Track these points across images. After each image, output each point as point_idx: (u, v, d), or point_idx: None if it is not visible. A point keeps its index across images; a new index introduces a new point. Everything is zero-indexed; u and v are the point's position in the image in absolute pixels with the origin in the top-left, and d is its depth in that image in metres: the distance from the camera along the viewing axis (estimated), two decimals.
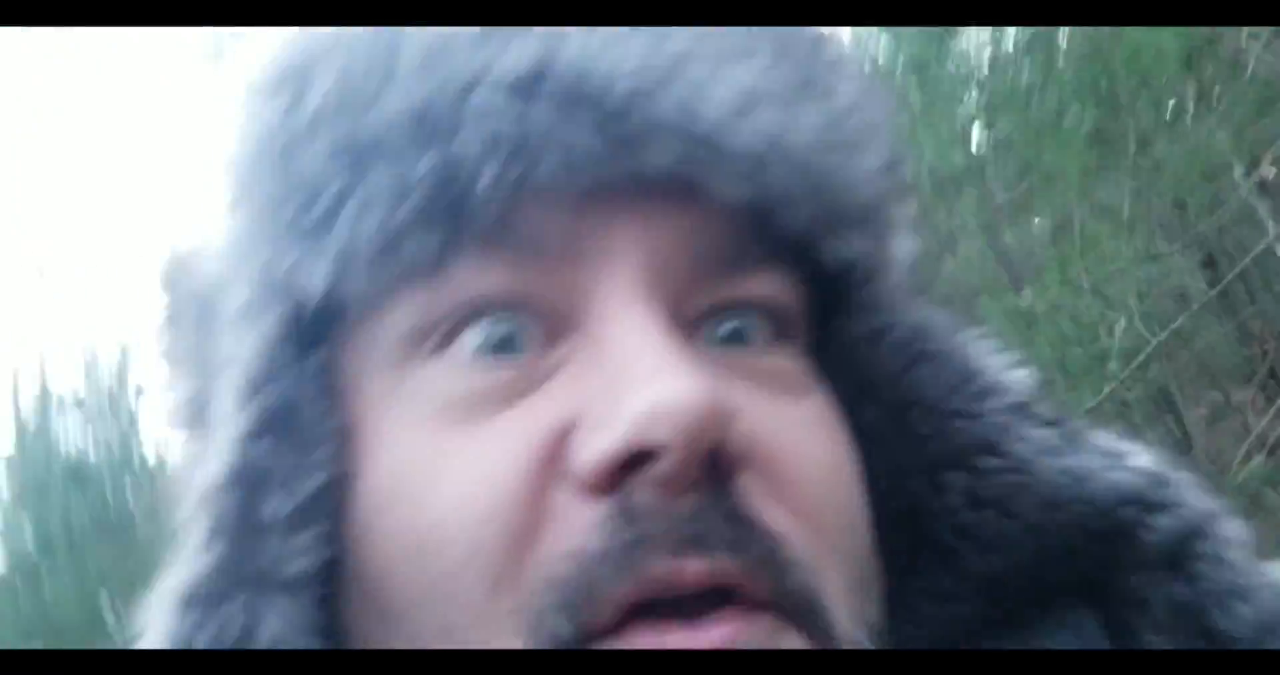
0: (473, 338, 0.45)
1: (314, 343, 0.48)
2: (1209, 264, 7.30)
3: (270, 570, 0.44)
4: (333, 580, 0.46)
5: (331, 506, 0.46)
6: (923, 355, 0.52)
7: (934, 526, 0.51)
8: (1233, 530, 0.49)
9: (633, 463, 0.42)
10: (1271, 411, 6.01)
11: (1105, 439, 0.51)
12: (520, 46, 0.43)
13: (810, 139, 0.46)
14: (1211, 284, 6.86)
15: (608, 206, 0.45)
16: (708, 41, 0.45)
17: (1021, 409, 0.52)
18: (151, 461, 16.86)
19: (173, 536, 0.48)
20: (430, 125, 0.43)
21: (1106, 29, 5.11)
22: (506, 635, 0.42)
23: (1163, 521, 0.48)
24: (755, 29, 0.46)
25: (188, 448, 0.52)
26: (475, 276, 0.45)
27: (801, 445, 0.46)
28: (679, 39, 0.44)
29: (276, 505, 0.45)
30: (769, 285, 0.48)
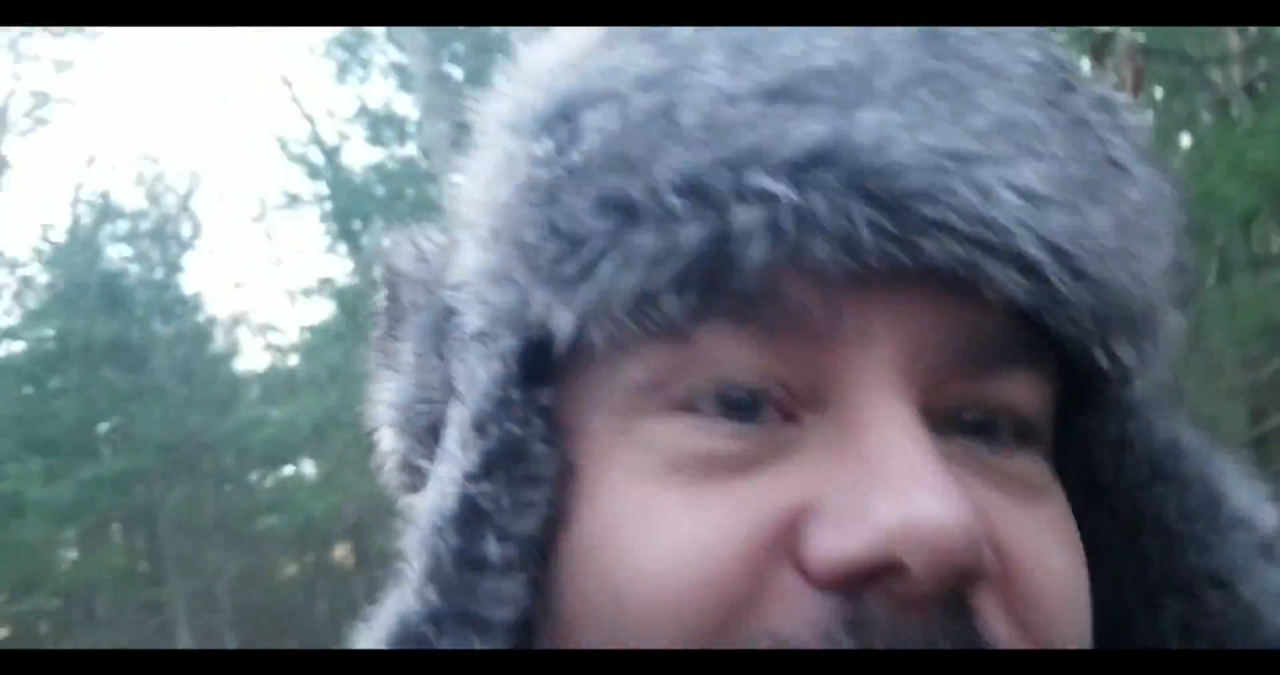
0: (714, 401, 0.44)
1: (544, 383, 0.48)
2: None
3: (478, 614, 0.45)
4: (528, 626, 0.46)
5: (541, 551, 0.46)
6: (1169, 473, 0.51)
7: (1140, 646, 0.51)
8: None
9: (872, 573, 0.41)
10: None
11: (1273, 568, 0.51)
12: (807, 127, 0.43)
13: (1096, 245, 0.44)
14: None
15: (870, 291, 0.43)
16: (1000, 136, 0.44)
17: (1265, 549, 0.51)
18: (188, 295, 17.19)
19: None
20: (703, 194, 0.43)
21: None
22: None
23: None
24: (1049, 119, 0.45)
25: (390, 445, 0.55)
26: (726, 345, 0.44)
27: (1043, 558, 0.45)
28: (971, 132, 0.43)
29: (494, 548, 0.46)
30: (1026, 387, 0.46)
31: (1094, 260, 0.44)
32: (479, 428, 0.47)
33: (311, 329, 15.88)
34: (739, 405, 0.44)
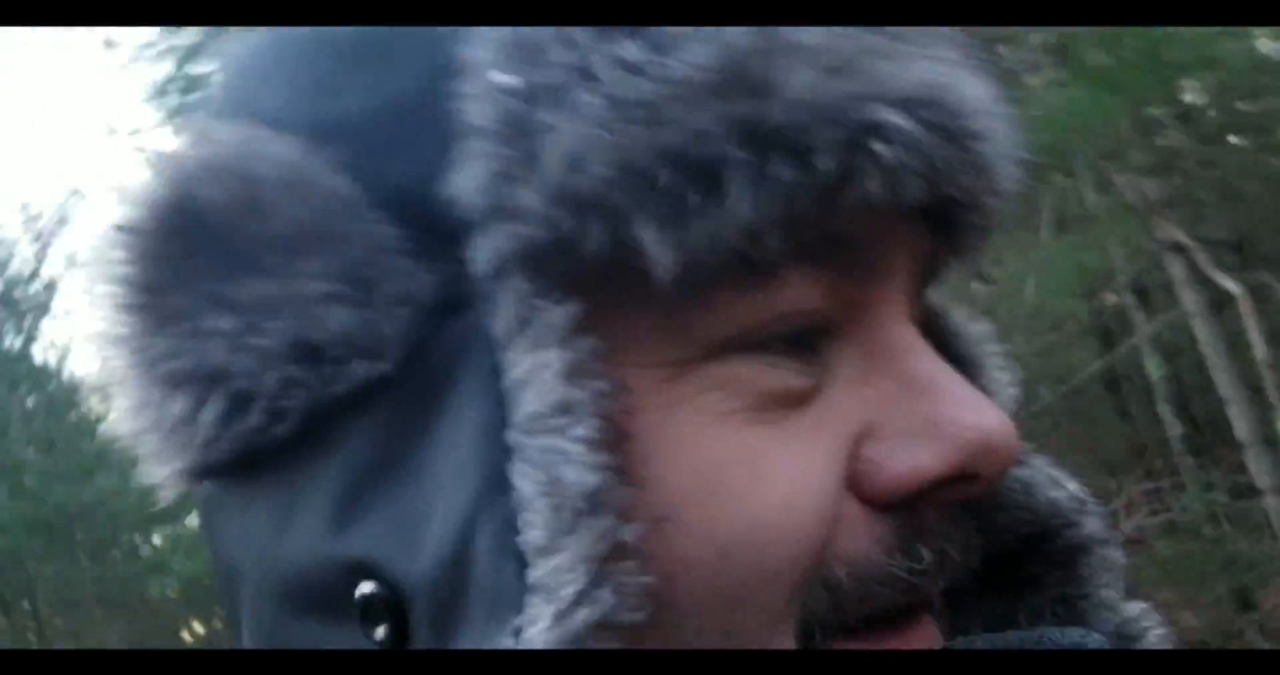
0: (784, 339, 0.45)
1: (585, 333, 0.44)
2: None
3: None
4: None
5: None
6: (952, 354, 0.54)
7: None
8: (1117, 556, 0.56)
9: (942, 484, 0.45)
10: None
11: (1043, 461, 0.57)
12: (910, 66, 0.43)
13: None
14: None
15: (896, 223, 0.46)
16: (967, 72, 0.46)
17: None
18: (43, 363, 16.65)
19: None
20: (839, 125, 0.41)
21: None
22: (785, 639, 0.44)
23: (1074, 533, 0.56)
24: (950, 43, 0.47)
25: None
26: (797, 283, 0.44)
27: None
28: (967, 69, 0.46)
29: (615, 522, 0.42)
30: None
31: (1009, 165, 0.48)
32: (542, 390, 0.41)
33: None
34: (802, 341, 0.45)
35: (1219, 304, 5.85)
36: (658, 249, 0.42)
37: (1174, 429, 7.99)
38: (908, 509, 0.45)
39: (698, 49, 0.41)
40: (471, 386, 0.42)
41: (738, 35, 0.41)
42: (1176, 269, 5.88)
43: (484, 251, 0.43)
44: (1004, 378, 0.56)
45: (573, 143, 0.41)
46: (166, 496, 0.51)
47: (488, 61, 0.43)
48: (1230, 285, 5.43)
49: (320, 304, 0.44)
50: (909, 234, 0.47)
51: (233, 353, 0.44)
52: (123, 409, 0.48)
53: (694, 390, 0.44)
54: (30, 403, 16.02)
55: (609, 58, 0.42)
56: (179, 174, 0.46)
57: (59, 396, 16.49)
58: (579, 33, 0.42)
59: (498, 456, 0.41)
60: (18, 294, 16.55)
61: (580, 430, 0.41)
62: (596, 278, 0.43)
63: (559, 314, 0.42)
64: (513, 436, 0.41)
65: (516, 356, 0.41)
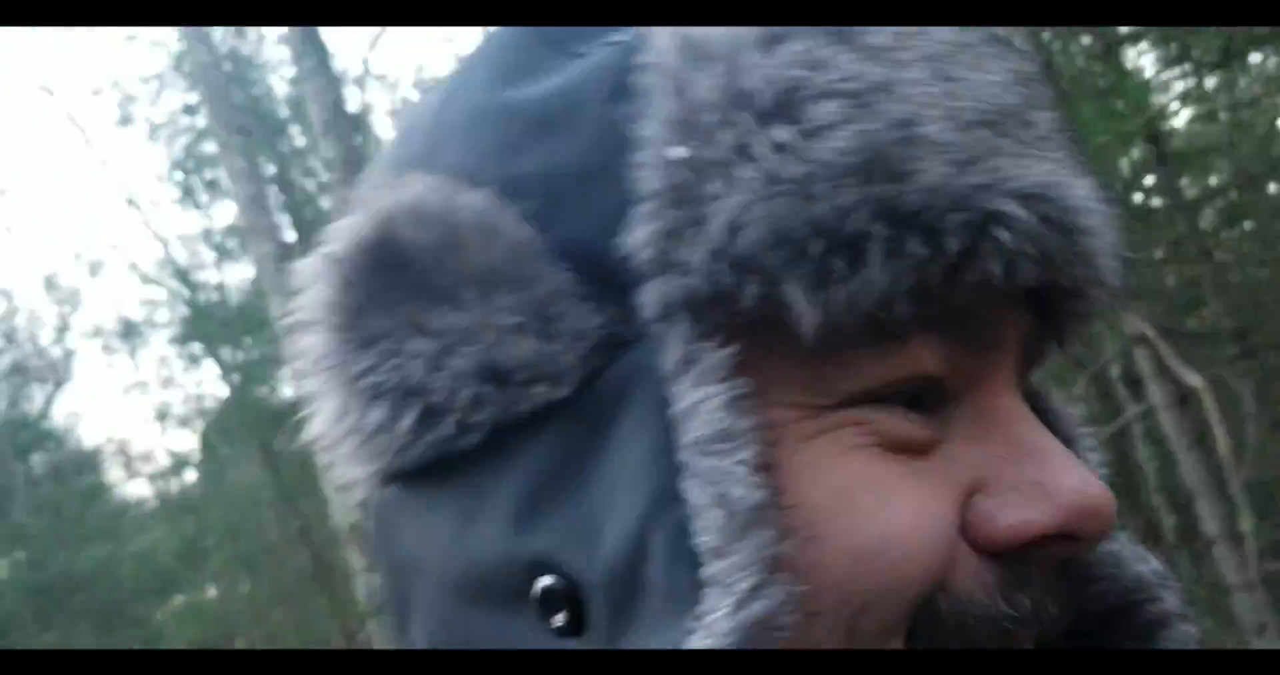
0: (905, 395, 0.50)
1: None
2: None
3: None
4: None
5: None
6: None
7: None
8: (1194, 632, 0.59)
9: (1046, 541, 0.49)
10: None
11: (1127, 537, 0.60)
12: (1030, 164, 0.49)
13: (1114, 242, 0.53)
14: None
15: (1007, 301, 0.51)
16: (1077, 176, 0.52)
17: None
18: (52, 429, 16.75)
19: None
20: (965, 211, 0.47)
21: None
22: (891, 645, 0.48)
23: (1156, 607, 0.58)
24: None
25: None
26: (920, 347, 0.49)
27: None
28: (1081, 176, 0.52)
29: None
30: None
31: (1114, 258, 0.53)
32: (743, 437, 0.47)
33: (175, 454, 15.61)
34: (922, 401, 0.50)
35: (1183, 397, 5.85)
36: (804, 308, 0.47)
37: (1169, 519, 7.91)
38: (1014, 560, 0.49)
39: (842, 135, 0.47)
40: (641, 413, 0.49)
41: (877, 128, 0.47)
42: (1144, 362, 5.90)
43: (653, 298, 0.49)
44: (1094, 457, 0.60)
45: (734, 210, 0.47)
46: (359, 495, 0.57)
47: (660, 138, 0.49)
48: (1193, 379, 5.44)
49: (509, 334, 0.50)
50: (1020, 316, 0.52)
51: (430, 372, 0.51)
52: (324, 416, 0.54)
53: (830, 426, 0.49)
54: (37, 469, 16.11)
55: (766, 139, 0.47)
56: (384, 215, 0.53)
57: (67, 464, 16.59)
58: (739, 115, 0.48)
59: (669, 473, 0.47)
60: (36, 362, 16.76)
61: (742, 454, 0.47)
62: (750, 328, 0.49)
63: (720, 356, 0.48)
64: (683, 457, 0.47)
65: (682, 390, 0.48)
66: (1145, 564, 0.59)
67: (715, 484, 0.46)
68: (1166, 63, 6.60)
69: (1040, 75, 0.53)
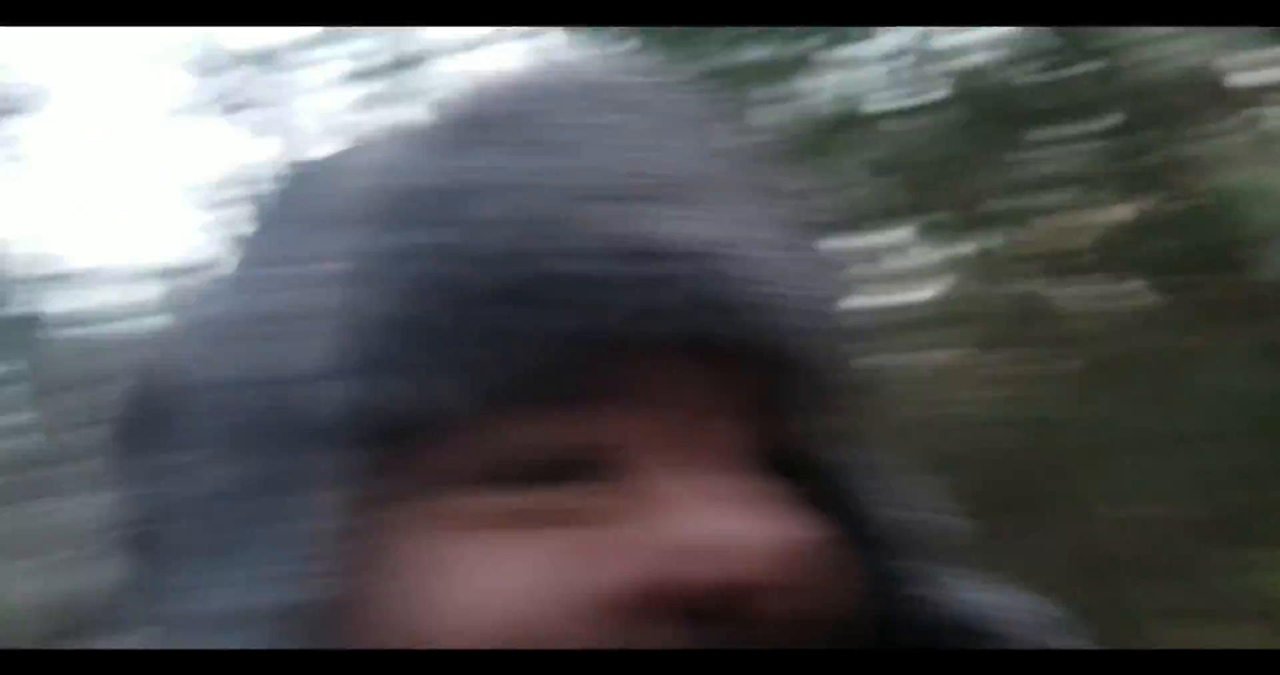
0: (522, 473, 0.47)
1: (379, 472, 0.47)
2: None
3: None
4: None
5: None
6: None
7: None
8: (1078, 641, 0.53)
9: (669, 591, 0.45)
10: None
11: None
12: (664, 226, 0.46)
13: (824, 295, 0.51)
14: None
15: (691, 369, 0.48)
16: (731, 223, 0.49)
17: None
18: None
19: None
20: (596, 286, 0.45)
21: None
22: None
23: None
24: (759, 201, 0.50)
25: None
26: (536, 420, 0.46)
27: None
28: (729, 221, 0.48)
29: None
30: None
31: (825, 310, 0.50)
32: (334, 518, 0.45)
33: None
34: (545, 474, 0.46)
35: None
36: (443, 399, 0.45)
37: None
38: (719, 619, 0.45)
39: (476, 228, 0.45)
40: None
41: (521, 198, 0.46)
42: None
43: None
44: (892, 511, 0.54)
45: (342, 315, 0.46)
46: None
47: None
48: None
49: None
50: (708, 377, 0.48)
51: None
52: None
53: (424, 513, 0.46)
54: None
55: (399, 244, 0.46)
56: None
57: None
58: (373, 217, 0.46)
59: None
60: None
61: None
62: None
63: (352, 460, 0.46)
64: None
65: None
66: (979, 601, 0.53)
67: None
68: None
69: (730, 128, 0.51)
